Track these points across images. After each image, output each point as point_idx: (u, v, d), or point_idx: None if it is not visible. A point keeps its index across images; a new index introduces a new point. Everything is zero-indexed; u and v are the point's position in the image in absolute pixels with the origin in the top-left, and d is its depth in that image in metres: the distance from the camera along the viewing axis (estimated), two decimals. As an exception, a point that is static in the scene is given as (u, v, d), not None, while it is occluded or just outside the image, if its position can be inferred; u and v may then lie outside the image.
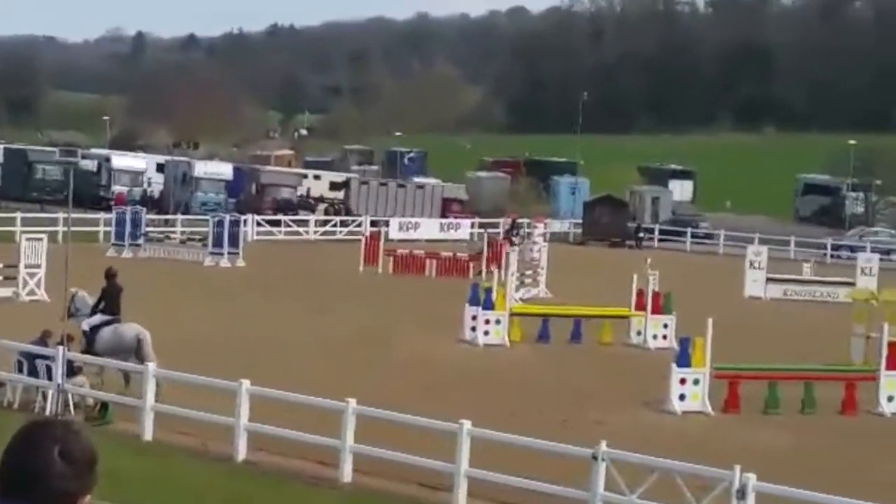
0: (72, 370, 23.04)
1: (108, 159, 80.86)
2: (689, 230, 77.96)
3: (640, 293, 35.39)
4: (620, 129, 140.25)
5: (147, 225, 55.79)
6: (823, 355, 30.64)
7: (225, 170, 79.69)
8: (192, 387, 22.20)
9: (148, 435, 21.42)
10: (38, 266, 37.57)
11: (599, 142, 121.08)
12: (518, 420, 22.84)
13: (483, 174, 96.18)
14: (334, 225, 71.42)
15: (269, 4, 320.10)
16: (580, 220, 79.75)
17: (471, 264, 51.53)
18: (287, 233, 67.85)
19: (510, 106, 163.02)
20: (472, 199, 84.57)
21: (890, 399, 27.57)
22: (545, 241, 58.41)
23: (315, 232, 69.32)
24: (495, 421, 20.77)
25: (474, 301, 34.08)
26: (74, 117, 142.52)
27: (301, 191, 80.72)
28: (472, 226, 75.26)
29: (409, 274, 51.16)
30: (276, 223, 68.54)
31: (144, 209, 58.95)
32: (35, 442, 3.68)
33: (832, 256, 72.47)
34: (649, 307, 35.00)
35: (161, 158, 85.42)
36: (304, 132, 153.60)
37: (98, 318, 24.78)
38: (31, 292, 37.42)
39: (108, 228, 55.38)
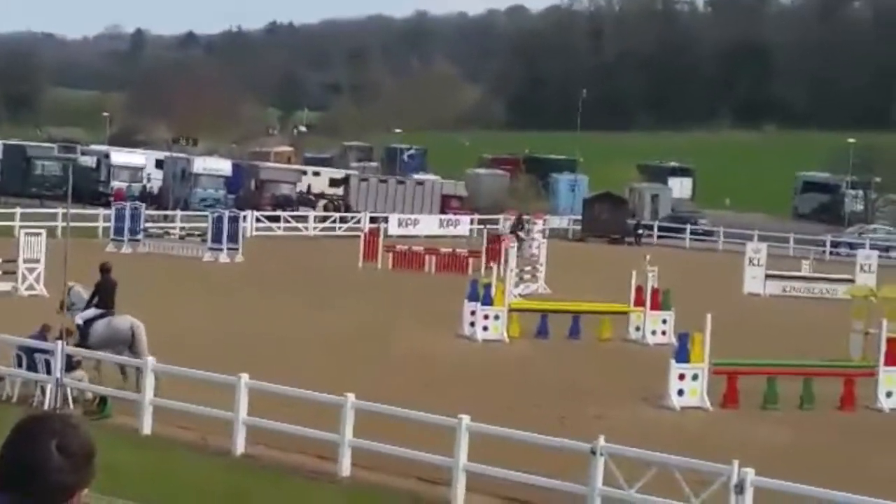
0: (71, 364, 23.05)
1: (107, 155, 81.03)
2: (688, 227, 77.99)
3: (639, 289, 35.41)
4: (620, 126, 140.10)
5: (146, 221, 55.84)
6: (822, 351, 30.69)
7: (224, 166, 79.74)
8: (191, 381, 22.21)
9: (147, 429, 21.44)
10: (37, 261, 37.63)
11: (599, 139, 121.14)
12: (517, 415, 22.83)
13: (482, 171, 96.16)
14: (333, 221, 71.39)
15: (268, 2, 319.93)
16: (579, 217, 79.83)
17: (471, 260, 51.55)
18: (286, 229, 67.82)
19: (510, 103, 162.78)
20: (471, 195, 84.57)
21: (888, 395, 27.60)
22: (544, 237, 58.53)
23: (314, 228, 69.33)
24: (494, 416, 20.80)
25: (473, 297, 34.11)
26: (74, 114, 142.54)
27: (300, 187, 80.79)
28: (472, 222, 75.26)
29: (409, 270, 51.15)
30: (276, 219, 68.55)
31: (144, 205, 58.98)
32: (33, 435, 3.68)
33: (831, 253, 72.44)
34: (648, 303, 35.02)
35: (160, 155, 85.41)
36: (303, 129, 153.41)
37: (92, 312, 24.80)
38: (30, 287, 37.52)
39: (107, 224, 55.45)
